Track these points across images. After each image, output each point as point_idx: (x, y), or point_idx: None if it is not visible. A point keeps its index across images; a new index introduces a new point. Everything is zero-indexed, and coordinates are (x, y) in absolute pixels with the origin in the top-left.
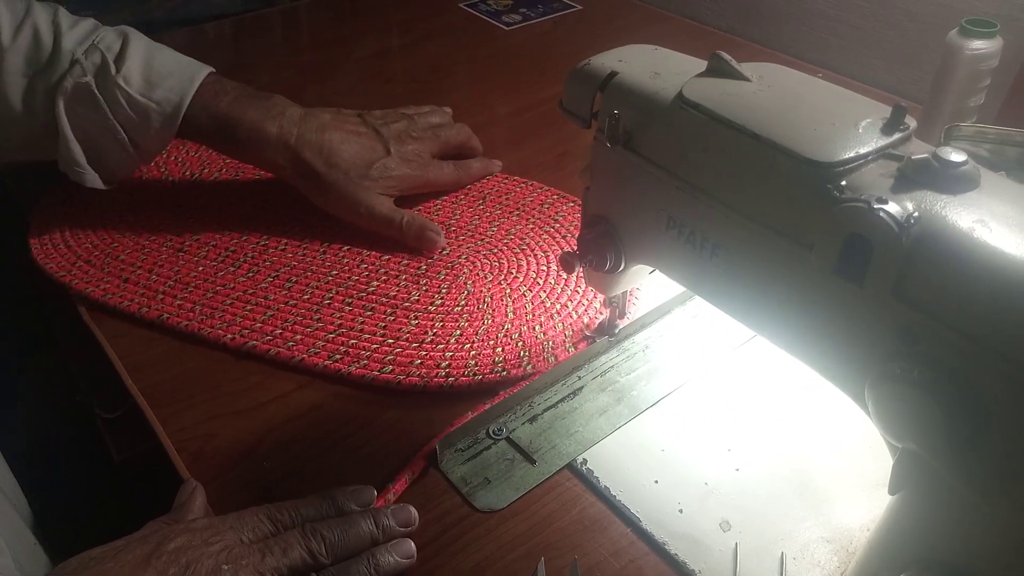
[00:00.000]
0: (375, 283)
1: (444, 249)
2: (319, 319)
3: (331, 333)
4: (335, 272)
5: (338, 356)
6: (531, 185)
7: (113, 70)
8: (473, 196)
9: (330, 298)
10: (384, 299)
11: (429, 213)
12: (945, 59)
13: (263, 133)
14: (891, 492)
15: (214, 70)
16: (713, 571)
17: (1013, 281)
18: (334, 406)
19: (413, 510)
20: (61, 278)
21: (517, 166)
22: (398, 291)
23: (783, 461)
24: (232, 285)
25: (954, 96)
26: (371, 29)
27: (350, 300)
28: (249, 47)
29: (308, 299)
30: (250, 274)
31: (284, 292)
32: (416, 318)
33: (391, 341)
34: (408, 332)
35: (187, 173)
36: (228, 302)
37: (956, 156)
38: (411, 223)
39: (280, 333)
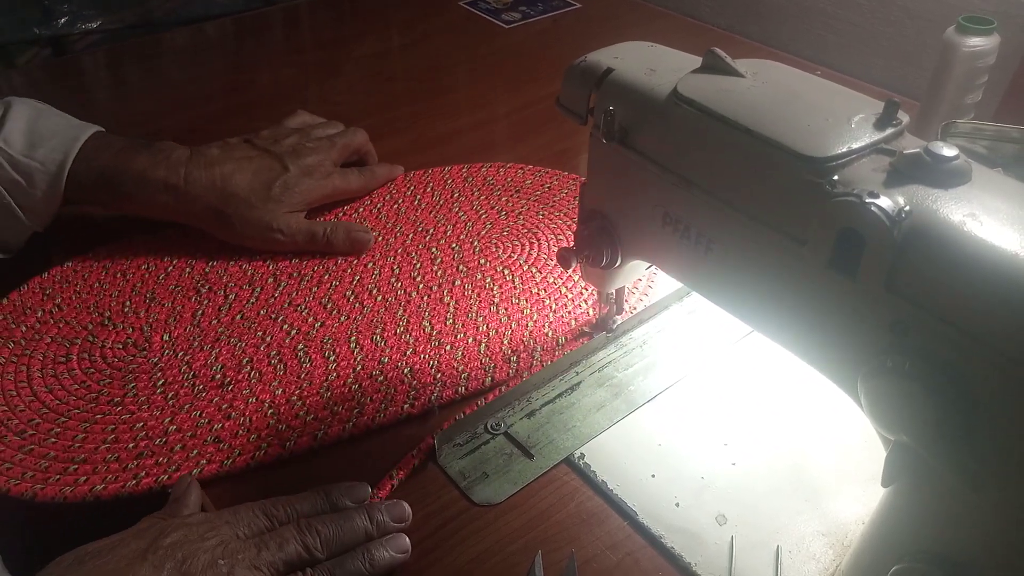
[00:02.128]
0: (450, 308)
1: (454, 244)
2: (439, 359)
3: (478, 344)
4: (402, 311)
5: (493, 366)
6: (531, 170)
7: None
8: (469, 185)
9: (434, 334)
10: (478, 305)
11: (419, 208)
12: (942, 56)
13: (150, 179)
14: (884, 485)
15: (102, 129)
16: (709, 564)
17: (1003, 274)
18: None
19: (407, 506)
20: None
21: (517, 163)
22: (474, 301)
23: (779, 455)
24: (327, 379)
25: (951, 93)
26: (372, 28)
27: (451, 319)
28: (250, 46)
29: (404, 344)
30: (332, 359)
31: (375, 355)
32: (505, 312)
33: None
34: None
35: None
36: (348, 388)
37: (947, 151)
38: (336, 230)
39: (419, 382)
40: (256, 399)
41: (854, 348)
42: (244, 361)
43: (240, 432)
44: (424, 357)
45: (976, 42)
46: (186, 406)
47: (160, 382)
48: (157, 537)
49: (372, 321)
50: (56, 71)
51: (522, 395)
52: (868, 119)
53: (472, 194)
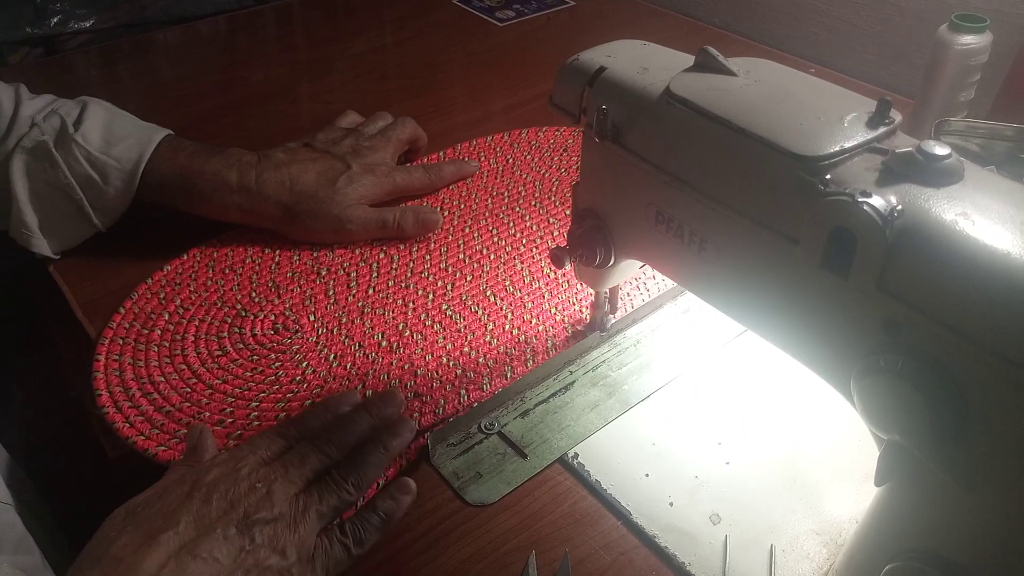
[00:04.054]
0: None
1: (533, 202)
2: (576, 296)
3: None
4: (520, 263)
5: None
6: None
7: (72, 130)
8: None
9: (561, 278)
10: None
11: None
12: (935, 54)
13: (224, 181)
14: (877, 484)
15: (172, 132)
16: (703, 563)
17: (995, 273)
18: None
19: (398, 392)
20: None
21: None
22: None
23: (773, 455)
24: (487, 329)
25: (944, 91)
26: (365, 25)
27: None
28: (243, 44)
29: (538, 290)
30: (481, 314)
31: (519, 303)
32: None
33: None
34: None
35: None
36: (510, 334)
37: (940, 149)
38: (404, 215)
39: (571, 317)
40: (433, 356)
41: (847, 347)
42: (400, 327)
43: (435, 384)
44: (563, 297)
45: (969, 40)
46: (369, 372)
47: (331, 356)
48: (197, 479)
49: (498, 276)
50: (49, 70)
51: (516, 394)
52: (861, 118)
53: (525, 157)
